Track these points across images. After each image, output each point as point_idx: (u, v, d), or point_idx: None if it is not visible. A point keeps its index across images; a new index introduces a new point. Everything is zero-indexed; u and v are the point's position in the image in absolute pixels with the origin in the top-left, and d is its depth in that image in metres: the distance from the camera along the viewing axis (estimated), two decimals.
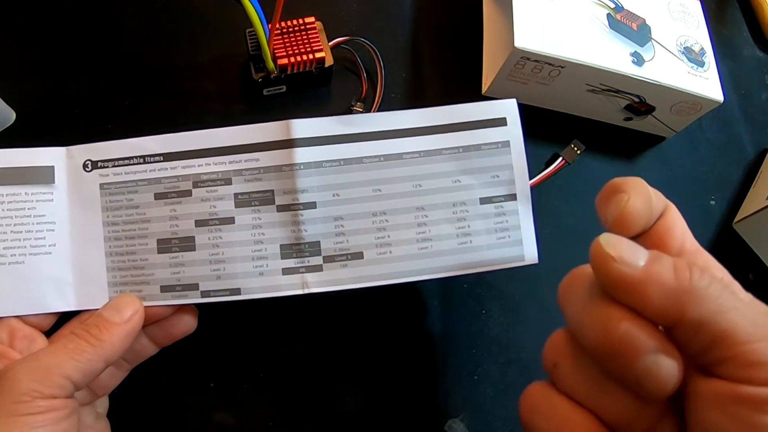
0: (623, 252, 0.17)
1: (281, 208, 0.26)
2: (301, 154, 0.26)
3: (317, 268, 0.26)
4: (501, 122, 0.27)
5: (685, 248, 0.20)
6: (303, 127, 0.26)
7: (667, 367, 0.16)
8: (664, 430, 0.18)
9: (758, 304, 0.17)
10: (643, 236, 0.20)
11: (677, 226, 0.20)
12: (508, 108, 0.28)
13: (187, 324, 0.27)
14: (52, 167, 0.26)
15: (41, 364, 0.22)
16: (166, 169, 0.26)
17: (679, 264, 0.17)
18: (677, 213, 0.21)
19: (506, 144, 0.27)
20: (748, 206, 0.37)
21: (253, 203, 0.26)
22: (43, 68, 0.35)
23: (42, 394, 0.21)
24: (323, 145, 0.26)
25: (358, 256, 0.26)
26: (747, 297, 0.17)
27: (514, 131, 0.27)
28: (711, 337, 0.16)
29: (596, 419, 0.18)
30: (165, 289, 0.26)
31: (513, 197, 0.27)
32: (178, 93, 0.35)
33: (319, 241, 0.26)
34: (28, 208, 0.26)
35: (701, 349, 0.16)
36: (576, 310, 0.18)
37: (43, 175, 0.26)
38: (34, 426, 0.21)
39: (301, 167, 0.26)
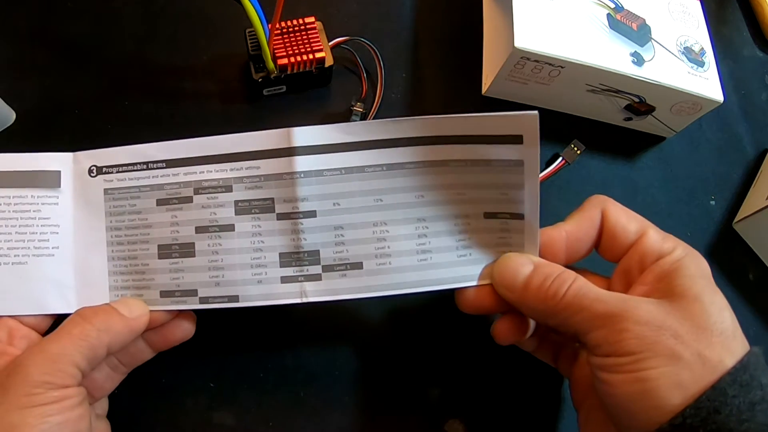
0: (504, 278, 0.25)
1: (281, 217, 0.26)
2: (302, 163, 0.26)
3: (316, 278, 0.26)
4: (517, 140, 0.25)
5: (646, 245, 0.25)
6: (304, 135, 0.26)
7: None
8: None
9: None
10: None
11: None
12: (526, 124, 0.24)
13: (185, 330, 0.27)
14: (59, 172, 0.27)
15: (49, 354, 0.22)
16: (169, 175, 0.26)
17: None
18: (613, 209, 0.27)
19: (519, 164, 0.25)
20: (748, 206, 0.37)
21: (253, 211, 0.26)
22: (43, 68, 0.35)
23: (55, 385, 0.22)
24: (324, 154, 0.26)
25: (358, 266, 0.26)
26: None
27: (530, 151, 0.25)
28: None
29: None
30: (164, 294, 0.26)
31: (520, 217, 0.26)
32: (178, 93, 0.35)
33: (318, 250, 0.26)
34: (34, 211, 0.26)
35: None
36: None
37: (50, 180, 0.26)
38: (49, 414, 0.21)
39: (302, 175, 0.26)
